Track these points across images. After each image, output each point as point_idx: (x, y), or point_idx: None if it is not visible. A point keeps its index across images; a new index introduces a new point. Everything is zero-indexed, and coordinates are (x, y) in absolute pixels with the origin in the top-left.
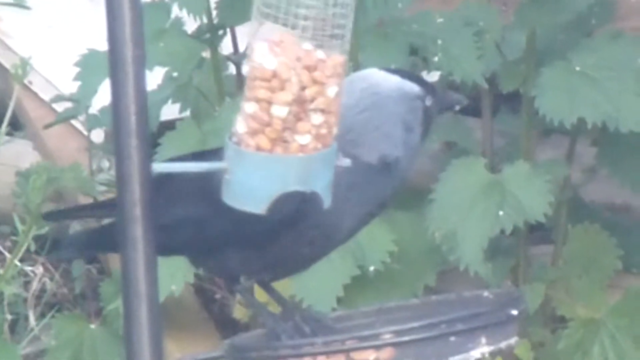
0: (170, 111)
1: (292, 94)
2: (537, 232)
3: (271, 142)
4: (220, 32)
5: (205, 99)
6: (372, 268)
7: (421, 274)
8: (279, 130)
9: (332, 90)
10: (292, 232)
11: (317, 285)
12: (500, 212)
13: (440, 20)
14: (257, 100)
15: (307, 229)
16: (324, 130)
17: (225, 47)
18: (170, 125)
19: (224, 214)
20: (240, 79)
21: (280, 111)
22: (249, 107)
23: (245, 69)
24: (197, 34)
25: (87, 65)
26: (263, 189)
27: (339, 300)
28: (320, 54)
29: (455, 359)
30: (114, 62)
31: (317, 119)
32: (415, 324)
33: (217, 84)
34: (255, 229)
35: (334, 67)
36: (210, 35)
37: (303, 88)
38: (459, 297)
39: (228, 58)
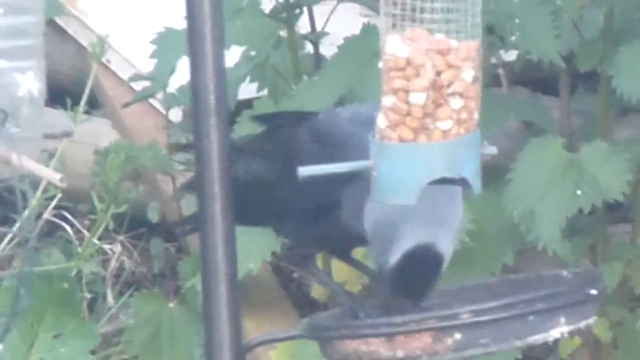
0: (247, 90)
1: (427, 80)
2: (615, 211)
3: (413, 132)
4: (297, 10)
5: (282, 78)
6: None
7: (499, 253)
8: (419, 118)
9: (468, 74)
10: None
11: None
12: (578, 192)
13: None
14: (394, 92)
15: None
16: (464, 115)
17: (303, 26)
18: (247, 104)
19: (288, 182)
20: (317, 57)
21: (418, 98)
22: (387, 100)
23: (379, 65)
24: (274, 13)
25: (164, 43)
26: (410, 179)
27: None
28: (453, 42)
29: (534, 338)
30: (192, 41)
31: (456, 103)
32: (493, 304)
33: (293, 63)
34: (308, 203)
35: (467, 51)
36: (286, 14)
37: (438, 73)
38: (537, 277)
39: (305, 37)
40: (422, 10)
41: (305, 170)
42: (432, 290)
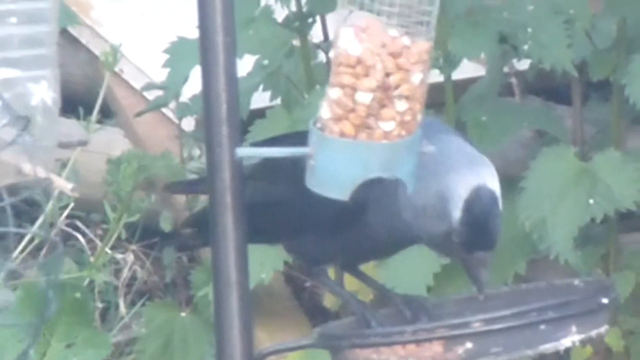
0: (260, 99)
1: (376, 81)
2: (627, 220)
3: (355, 128)
4: (310, 20)
5: (295, 87)
6: None
7: (511, 262)
8: (363, 117)
9: (416, 77)
10: (361, 219)
11: (408, 273)
12: (591, 201)
13: (530, 7)
14: (342, 86)
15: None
16: (408, 117)
17: (315, 35)
18: (260, 113)
19: (303, 196)
20: (330, 67)
21: (364, 97)
22: (334, 92)
23: (330, 55)
24: (287, 22)
25: (177, 52)
26: (346, 174)
27: (429, 289)
28: (405, 40)
29: (545, 347)
30: (204, 50)
31: (401, 105)
32: (505, 312)
33: (306, 72)
34: (331, 212)
35: (419, 54)
36: (299, 23)
37: (387, 75)
38: (549, 286)
39: (318, 46)
40: (380, 2)
41: (242, 151)
42: (500, 232)
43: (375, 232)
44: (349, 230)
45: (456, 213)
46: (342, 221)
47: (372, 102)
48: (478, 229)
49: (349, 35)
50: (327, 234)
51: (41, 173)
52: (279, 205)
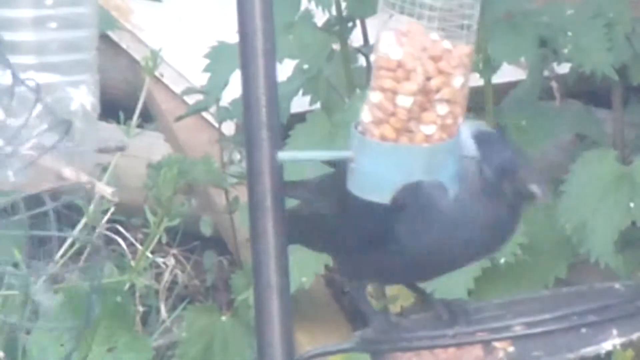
0: (300, 103)
1: (417, 84)
2: None
3: (396, 132)
4: (350, 24)
5: (335, 91)
6: (502, 260)
7: (552, 266)
8: (404, 120)
9: (457, 81)
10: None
11: (448, 277)
12: (631, 204)
13: (570, 11)
14: (382, 90)
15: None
16: (449, 121)
17: (355, 39)
18: (300, 117)
19: (343, 212)
20: (370, 70)
21: (405, 101)
22: (374, 96)
23: (371, 58)
24: (327, 26)
25: (217, 57)
26: (388, 178)
27: (470, 293)
28: (446, 44)
29: (586, 350)
30: (244, 55)
31: (442, 109)
32: (546, 316)
33: (347, 76)
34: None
35: (459, 58)
36: (339, 27)
37: (428, 78)
38: (589, 289)
39: (358, 50)
40: (421, 6)
41: (283, 155)
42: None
43: (410, 252)
44: (382, 250)
45: (474, 152)
46: (370, 245)
47: (412, 106)
48: (496, 150)
49: (390, 39)
50: (364, 252)
51: (82, 178)
52: (323, 220)
